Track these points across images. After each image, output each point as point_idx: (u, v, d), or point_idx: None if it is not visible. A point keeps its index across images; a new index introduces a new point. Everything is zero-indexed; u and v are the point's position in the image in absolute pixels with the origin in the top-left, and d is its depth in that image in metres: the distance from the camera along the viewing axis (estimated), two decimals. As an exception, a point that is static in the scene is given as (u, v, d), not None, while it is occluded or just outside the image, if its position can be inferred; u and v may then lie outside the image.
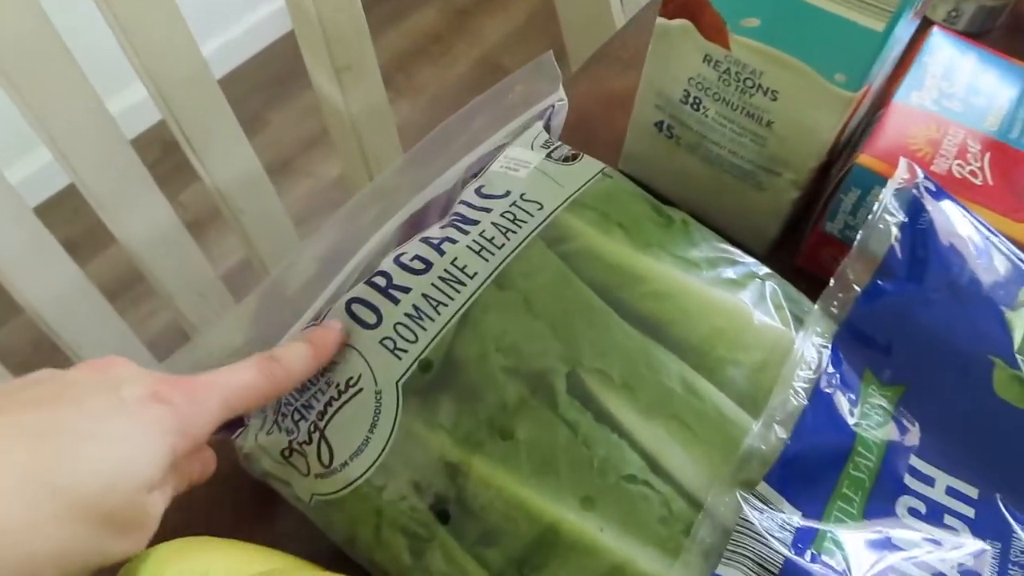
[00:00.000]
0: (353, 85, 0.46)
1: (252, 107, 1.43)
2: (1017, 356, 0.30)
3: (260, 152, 0.58)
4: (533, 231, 0.33)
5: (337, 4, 0.41)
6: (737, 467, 0.28)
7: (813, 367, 0.30)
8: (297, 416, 0.30)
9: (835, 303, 0.32)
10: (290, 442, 0.30)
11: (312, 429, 0.29)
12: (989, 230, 0.34)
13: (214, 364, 0.27)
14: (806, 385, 0.29)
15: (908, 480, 0.29)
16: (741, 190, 0.41)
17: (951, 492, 0.29)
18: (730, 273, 0.33)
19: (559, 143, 0.37)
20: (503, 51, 1.53)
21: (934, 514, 0.28)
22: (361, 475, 0.29)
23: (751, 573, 0.25)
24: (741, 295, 0.33)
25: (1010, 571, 0.27)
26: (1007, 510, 0.28)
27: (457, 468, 0.29)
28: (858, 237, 0.33)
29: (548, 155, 0.36)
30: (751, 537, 0.26)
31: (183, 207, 1.29)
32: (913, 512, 0.28)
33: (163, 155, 1.26)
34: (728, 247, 0.35)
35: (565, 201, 0.34)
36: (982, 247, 0.33)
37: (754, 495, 0.27)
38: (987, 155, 0.38)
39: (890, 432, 0.29)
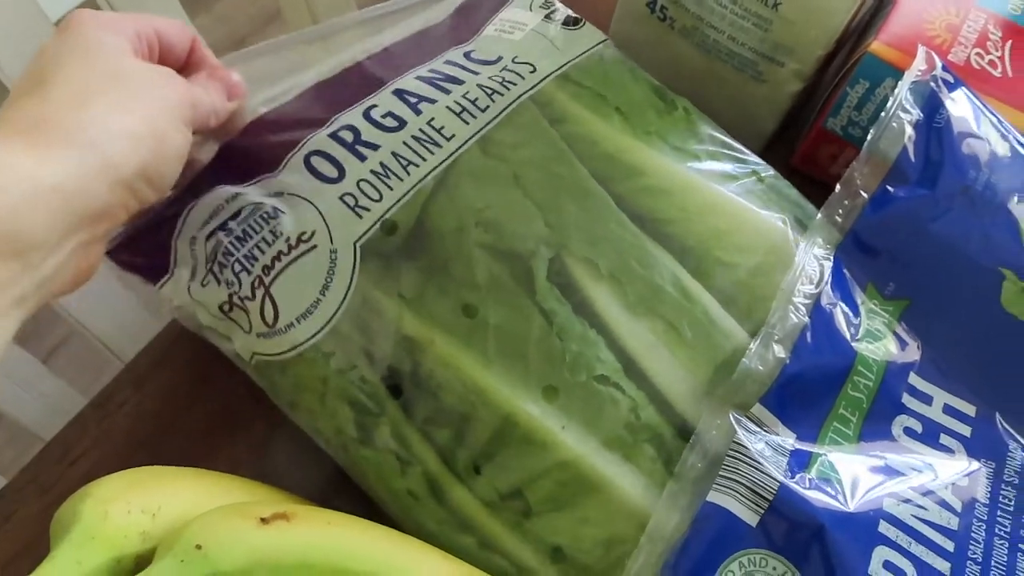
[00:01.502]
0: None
1: (198, -21, 1.31)
2: (1027, 267, 0.28)
3: (210, 29, 0.52)
4: (523, 95, 0.29)
5: None
6: (731, 389, 0.26)
7: (814, 281, 0.28)
8: (238, 267, 0.27)
9: (840, 211, 0.29)
10: (230, 295, 0.27)
11: (256, 284, 0.27)
12: (1007, 129, 0.31)
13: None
14: (806, 301, 0.27)
15: (906, 399, 0.27)
16: (738, 81, 0.37)
17: (949, 411, 0.27)
18: (731, 169, 0.31)
19: (559, 5, 0.33)
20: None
21: (930, 433, 0.27)
22: (308, 339, 0.27)
23: (744, 499, 0.24)
24: (742, 194, 0.30)
25: (1003, 491, 0.26)
26: (1004, 428, 0.27)
27: (415, 343, 0.27)
28: (869, 137, 0.30)
29: (547, 16, 0.32)
30: (744, 462, 0.25)
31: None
32: (909, 432, 0.27)
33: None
34: (731, 141, 0.32)
35: (562, 67, 0.30)
36: (1000, 149, 0.30)
37: (748, 417, 0.26)
38: (1009, 43, 0.34)
39: (890, 349, 0.28)
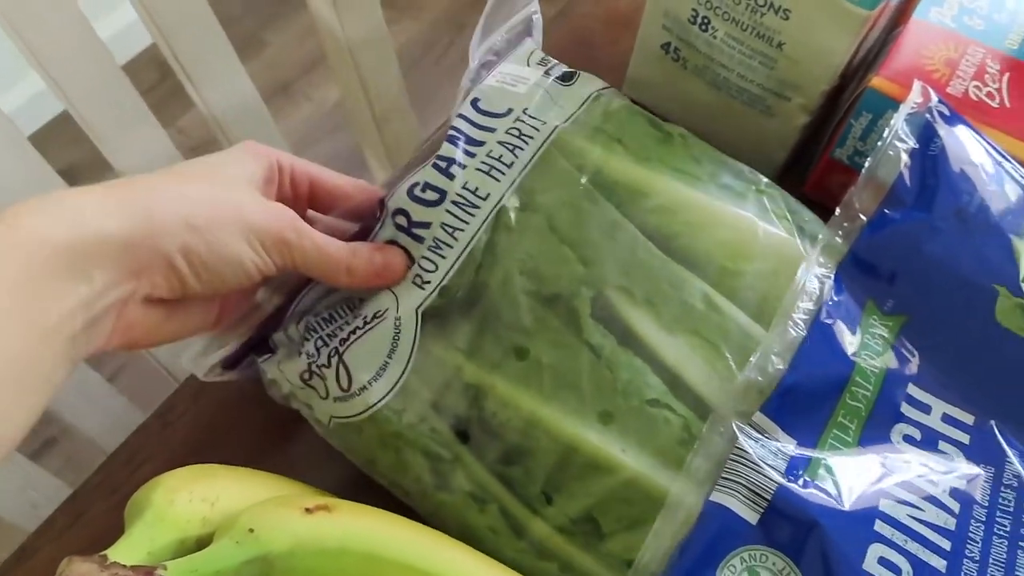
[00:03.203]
0: (349, 7, 0.44)
1: (248, 27, 1.39)
2: (1022, 284, 0.30)
3: (258, 75, 0.57)
4: (540, 147, 0.32)
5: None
6: (734, 398, 0.28)
7: (814, 298, 0.30)
8: (320, 343, 0.30)
9: (840, 232, 0.31)
10: (309, 365, 0.30)
11: (332, 354, 0.30)
12: (1003, 155, 0.33)
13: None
14: (805, 316, 0.29)
15: (905, 408, 0.29)
16: (749, 115, 0.40)
17: (947, 419, 0.29)
18: (732, 185, 0.33)
19: (555, 61, 0.36)
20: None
21: (929, 440, 0.28)
22: (380, 399, 0.29)
23: (744, 499, 0.26)
24: (743, 207, 0.32)
25: (1002, 494, 0.27)
26: (1002, 436, 0.28)
27: (477, 389, 0.29)
28: (866, 164, 0.32)
29: (546, 72, 0.35)
30: (745, 465, 0.27)
31: (183, 133, 1.27)
32: (908, 439, 0.28)
33: (161, 78, 1.24)
34: (728, 159, 0.34)
35: (567, 120, 0.33)
36: (994, 174, 0.32)
37: (750, 425, 0.28)
38: (1006, 75, 0.36)
39: (889, 362, 0.29)
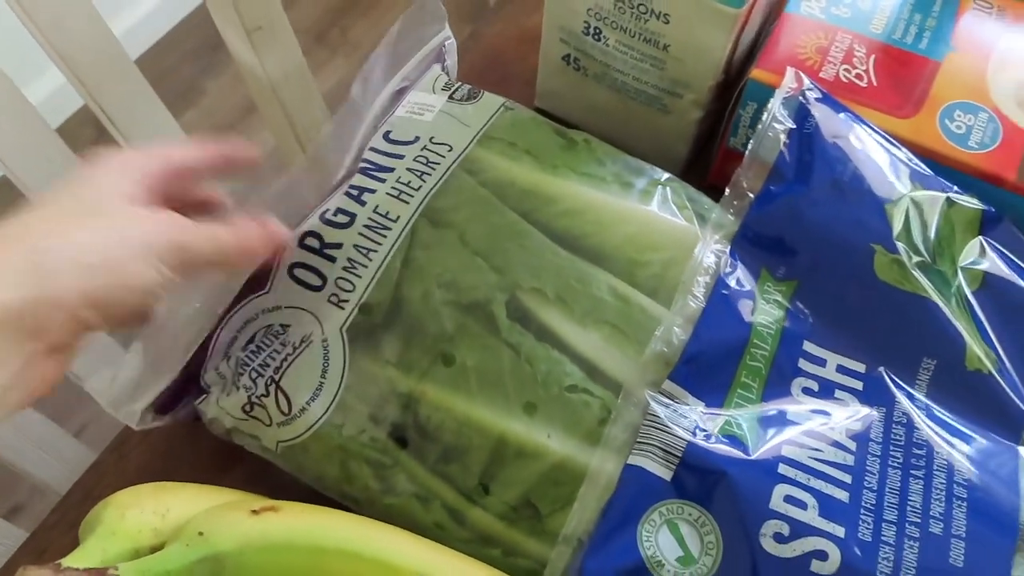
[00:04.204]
0: (267, 46, 0.47)
1: (186, 76, 1.40)
2: (896, 242, 0.33)
3: (197, 123, 0.58)
4: (447, 171, 0.35)
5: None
6: (643, 370, 0.30)
7: (711, 273, 0.32)
8: (254, 375, 0.32)
9: (731, 211, 0.34)
10: (249, 397, 0.32)
11: (268, 383, 0.31)
12: (872, 128, 0.36)
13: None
14: (704, 289, 0.32)
15: (802, 363, 0.31)
16: (648, 115, 0.43)
17: (841, 370, 0.32)
18: (634, 182, 0.36)
19: (459, 84, 0.39)
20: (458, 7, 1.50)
21: (826, 390, 0.31)
22: (320, 417, 0.31)
23: (659, 459, 0.28)
24: (646, 201, 0.35)
25: (893, 430, 0.30)
26: (891, 380, 0.31)
27: (409, 397, 0.31)
28: (749, 146, 0.35)
29: (450, 96, 0.37)
30: (658, 429, 0.29)
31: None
32: (807, 391, 0.31)
33: (98, 135, 1.24)
34: (630, 159, 0.37)
35: (472, 140, 0.36)
36: (865, 146, 0.35)
37: (660, 393, 0.30)
38: (872, 57, 0.40)
39: (785, 322, 0.32)
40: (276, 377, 0.31)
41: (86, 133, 1.24)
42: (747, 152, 0.35)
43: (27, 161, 0.46)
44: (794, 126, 0.35)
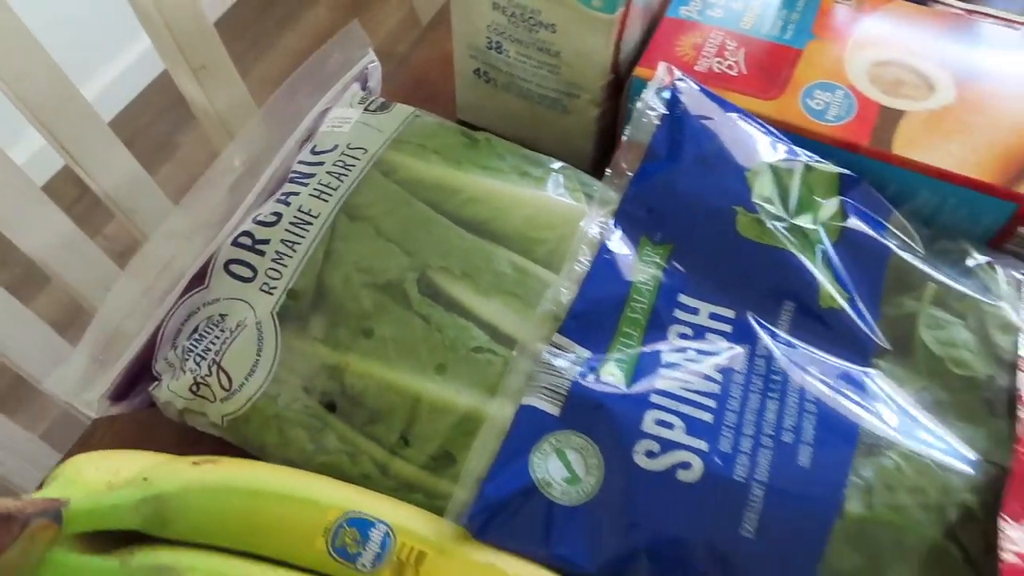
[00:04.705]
0: (212, 82, 0.52)
1: (160, 132, 1.47)
2: (755, 203, 0.37)
3: (173, 175, 0.63)
4: (363, 170, 0.39)
5: (178, 6, 0.46)
6: (536, 327, 0.35)
7: (595, 242, 0.37)
8: (198, 359, 0.36)
9: (613, 188, 0.39)
10: (194, 378, 0.36)
11: (211, 364, 0.36)
12: (738, 110, 0.41)
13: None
14: (589, 256, 0.37)
15: (677, 313, 0.36)
16: (553, 117, 0.48)
17: (713, 316, 0.36)
18: (531, 171, 0.41)
19: (373, 97, 0.44)
20: (398, 39, 1.58)
21: (699, 334, 0.35)
22: (257, 390, 0.35)
23: (548, 399, 0.33)
24: (541, 187, 0.40)
25: (756, 362, 0.34)
26: (755, 322, 0.36)
27: (335, 368, 0.35)
28: (627, 132, 0.40)
29: (365, 108, 0.43)
30: (548, 374, 0.33)
31: (109, 239, 1.33)
32: (682, 335, 0.35)
33: (81, 192, 1.30)
34: (527, 152, 0.42)
35: (385, 143, 0.41)
36: (730, 125, 0.40)
37: (552, 344, 0.34)
38: (742, 50, 0.45)
39: (662, 280, 0.37)
40: (217, 359, 0.36)
41: (70, 192, 1.30)
42: (625, 137, 0.40)
43: (18, 221, 0.51)
44: (666, 112, 0.40)
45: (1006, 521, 0.29)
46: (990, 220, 0.41)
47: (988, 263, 0.38)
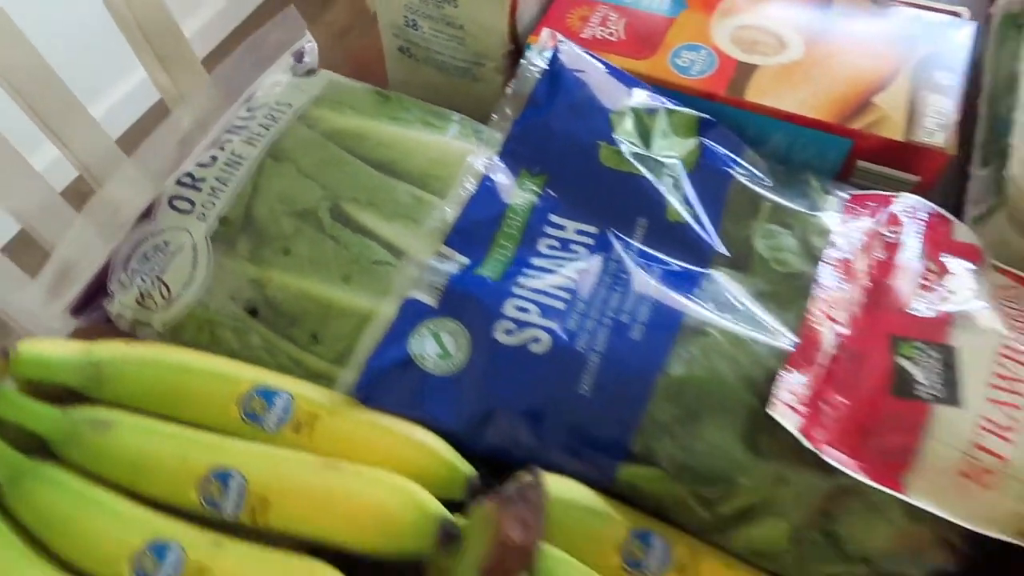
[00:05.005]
0: (174, 67, 0.59)
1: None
2: (615, 137, 0.44)
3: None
4: (288, 122, 0.46)
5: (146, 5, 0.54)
6: (425, 240, 0.41)
7: (480, 173, 0.44)
8: (144, 277, 0.43)
9: (499, 131, 0.46)
10: (140, 291, 0.43)
11: (154, 280, 0.43)
12: (610, 66, 0.48)
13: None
14: (474, 183, 0.43)
15: (547, 229, 0.42)
16: (466, 85, 0.55)
17: (578, 232, 0.42)
18: (433, 122, 0.47)
19: (301, 64, 0.51)
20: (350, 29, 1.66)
21: (565, 246, 0.42)
22: (193, 299, 0.42)
23: (429, 293, 0.39)
24: (442, 134, 0.47)
25: (609, 265, 0.40)
26: (613, 236, 0.42)
27: (258, 281, 0.42)
28: (511, 85, 0.47)
29: (295, 75, 0.50)
30: (431, 275, 0.40)
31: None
32: (550, 247, 0.42)
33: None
34: (431, 107, 0.49)
35: (309, 100, 0.48)
36: (600, 77, 0.47)
37: (438, 253, 0.41)
38: (623, 20, 0.52)
39: (536, 203, 0.43)
40: (160, 275, 0.42)
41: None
42: (511, 89, 0.46)
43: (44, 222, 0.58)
44: (547, 68, 0.47)
45: (787, 370, 0.35)
46: (834, 156, 0.48)
47: (822, 187, 0.45)
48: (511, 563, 0.27)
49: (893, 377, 0.35)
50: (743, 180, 0.44)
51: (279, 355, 0.41)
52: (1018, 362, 0.36)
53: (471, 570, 0.27)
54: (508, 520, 0.27)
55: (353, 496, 0.32)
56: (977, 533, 0.35)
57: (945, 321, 0.37)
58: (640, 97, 0.46)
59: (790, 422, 0.33)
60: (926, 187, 0.47)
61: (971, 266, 0.40)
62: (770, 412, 0.33)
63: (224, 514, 0.33)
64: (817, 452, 0.33)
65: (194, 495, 0.34)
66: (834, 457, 0.33)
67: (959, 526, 0.35)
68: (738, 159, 0.46)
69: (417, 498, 0.32)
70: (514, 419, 0.36)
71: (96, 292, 0.44)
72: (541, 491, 0.28)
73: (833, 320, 0.37)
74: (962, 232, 0.41)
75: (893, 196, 0.43)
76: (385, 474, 0.32)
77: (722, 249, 0.42)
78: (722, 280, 0.40)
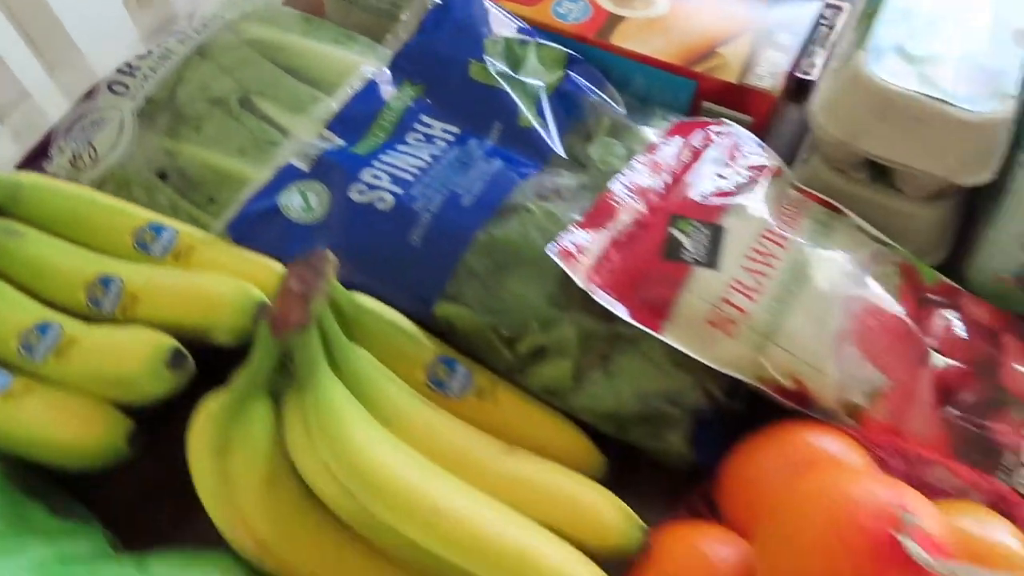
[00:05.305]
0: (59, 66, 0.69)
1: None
2: (485, 56, 0.52)
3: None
4: (217, 29, 0.55)
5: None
6: (310, 125, 0.49)
7: (367, 79, 0.52)
8: (77, 143, 0.51)
9: (392, 48, 0.54)
10: (73, 153, 0.51)
11: (85, 143, 0.51)
12: (498, 7, 0.56)
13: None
14: (361, 84, 0.51)
15: (416, 126, 0.50)
16: (389, 24, 0.63)
17: (443, 131, 0.50)
18: (338, 38, 0.56)
19: None
20: None
21: (429, 140, 0.49)
22: (116, 161, 0.50)
23: (303, 162, 0.47)
24: (349, 50, 0.55)
25: (460, 156, 0.48)
26: (472, 135, 0.50)
27: (171, 151, 0.50)
28: (408, 13, 0.55)
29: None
30: (310, 150, 0.47)
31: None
32: (416, 139, 0.49)
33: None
34: (339, 28, 0.57)
35: (239, 16, 0.56)
36: (484, 12, 0.55)
37: (320, 135, 0.49)
38: (521, -25, 0.60)
39: (410, 105, 0.51)
40: (91, 141, 0.51)
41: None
42: (406, 16, 0.55)
43: None
44: (440, 4, 0.55)
45: (576, 227, 0.42)
46: (683, 96, 0.55)
47: (664, 117, 0.52)
48: (294, 313, 0.34)
49: (666, 244, 0.42)
50: (596, 106, 0.52)
51: (180, 213, 0.49)
52: (775, 243, 0.43)
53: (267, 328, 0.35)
54: (292, 275, 0.34)
55: (198, 287, 0.39)
56: (731, 384, 0.42)
57: (721, 208, 0.44)
58: (516, 32, 0.54)
59: (567, 265, 0.41)
60: (759, 127, 0.54)
61: (761, 176, 0.47)
62: (547, 251, 0.41)
63: (103, 311, 0.41)
64: (588, 291, 0.40)
65: (82, 296, 0.41)
66: (603, 299, 0.41)
67: (715, 375, 0.41)
68: (597, 91, 0.53)
69: (243, 287, 0.39)
70: (356, 261, 0.44)
71: (38, 156, 0.52)
72: (325, 259, 0.36)
73: (632, 200, 0.45)
74: (762, 153, 0.48)
75: (711, 122, 0.50)
76: (225, 276, 0.40)
77: (560, 152, 0.49)
78: (554, 173, 0.48)
